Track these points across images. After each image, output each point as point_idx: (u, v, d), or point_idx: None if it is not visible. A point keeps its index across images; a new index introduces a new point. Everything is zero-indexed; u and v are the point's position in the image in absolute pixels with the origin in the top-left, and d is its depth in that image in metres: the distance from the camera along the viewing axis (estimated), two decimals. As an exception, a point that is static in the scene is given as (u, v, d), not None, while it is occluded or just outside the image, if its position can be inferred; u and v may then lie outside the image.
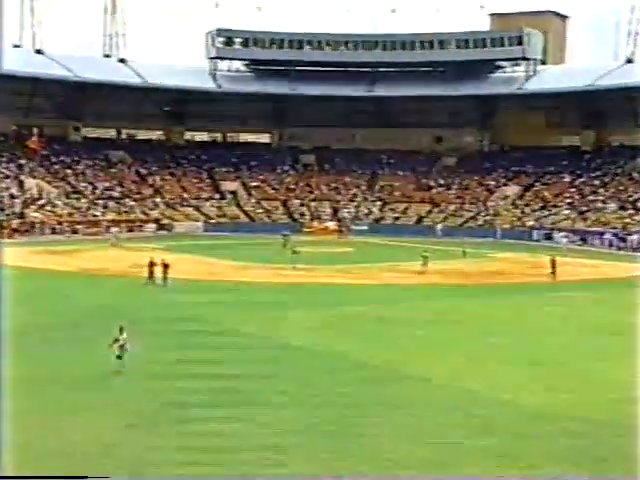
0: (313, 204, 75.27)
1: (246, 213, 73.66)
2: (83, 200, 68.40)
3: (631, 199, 65.86)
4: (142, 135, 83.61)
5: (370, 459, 14.21)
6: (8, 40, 65.36)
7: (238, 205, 74.72)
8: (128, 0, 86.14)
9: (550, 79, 77.11)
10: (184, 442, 14.39)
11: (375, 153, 79.96)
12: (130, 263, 42.38)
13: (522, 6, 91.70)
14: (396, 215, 73.45)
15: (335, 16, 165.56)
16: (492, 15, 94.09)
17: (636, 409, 16.08)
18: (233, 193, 76.34)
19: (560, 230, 62.80)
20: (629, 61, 73.72)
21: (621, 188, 68.40)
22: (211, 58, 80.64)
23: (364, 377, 19.91)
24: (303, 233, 65.30)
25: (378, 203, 75.60)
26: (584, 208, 67.31)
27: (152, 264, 35.77)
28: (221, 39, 79.77)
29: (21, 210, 62.97)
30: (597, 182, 71.03)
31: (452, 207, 73.36)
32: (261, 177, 78.82)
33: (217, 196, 75.72)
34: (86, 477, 11.90)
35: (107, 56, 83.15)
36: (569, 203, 69.18)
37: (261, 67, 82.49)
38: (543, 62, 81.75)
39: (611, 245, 58.80)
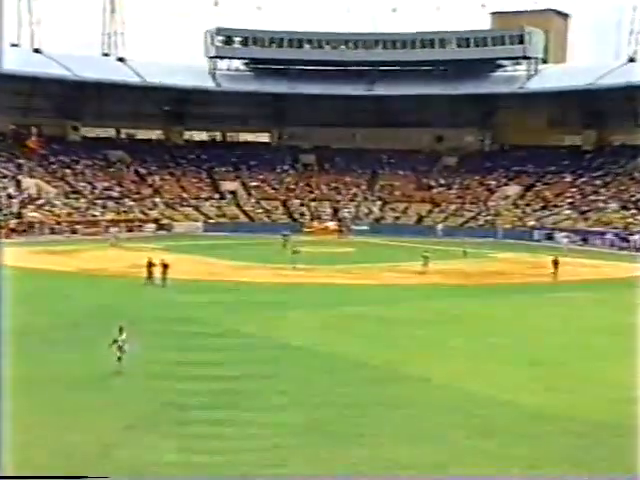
0: (313, 204, 75.08)
1: (246, 213, 73.45)
2: (82, 200, 68.18)
3: (633, 199, 65.63)
4: (141, 135, 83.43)
5: (370, 459, 14.17)
6: (6, 39, 65.03)
7: (238, 205, 74.52)
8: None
9: (551, 78, 76.80)
10: (184, 443, 14.38)
11: (375, 153, 79.73)
12: (129, 263, 42.40)
13: (523, 5, 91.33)
14: (396, 215, 73.28)
15: (335, 15, 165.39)
16: (493, 14, 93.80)
17: (636, 409, 16.09)
18: (233, 193, 76.13)
19: (561, 230, 62.66)
20: (631, 60, 73.48)
21: (622, 188, 68.15)
22: (210, 57, 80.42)
23: (364, 377, 19.88)
24: (303, 233, 65.18)
25: (378, 203, 75.42)
26: (585, 208, 67.11)
27: (151, 264, 35.73)
28: (220, 38, 79.51)
29: (19, 210, 62.74)
30: (598, 182, 70.79)
31: (453, 207, 73.16)
32: (261, 177, 78.61)
33: (217, 196, 75.51)
34: (86, 477, 11.87)
35: (106, 55, 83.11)
36: (570, 203, 68.95)
37: (261, 66, 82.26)
38: (544, 61, 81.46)
39: (613, 245, 58.68)
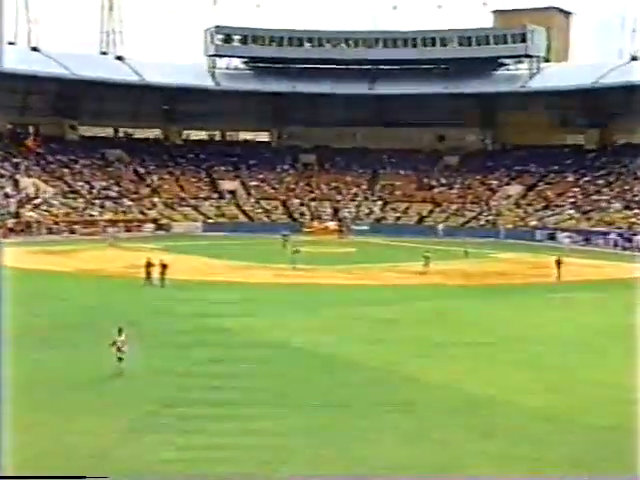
0: (313, 204, 74.71)
1: (245, 213, 73.07)
2: (80, 200, 67.85)
3: (636, 198, 65.23)
4: (140, 134, 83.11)
5: (370, 460, 14.15)
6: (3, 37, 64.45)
7: (237, 205, 74.16)
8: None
9: (554, 77, 76.49)
10: (184, 443, 14.38)
11: (376, 152, 79.36)
12: (128, 263, 42.35)
13: (525, 3, 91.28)
14: (397, 215, 72.92)
15: (335, 13, 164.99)
16: (495, 12, 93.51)
17: (637, 410, 16.01)
18: (232, 193, 75.72)
19: (563, 230, 62.29)
20: (634, 59, 72.92)
21: (626, 187, 67.75)
22: (209, 55, 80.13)
23: (364, 378, 19.89)
24: (303, 233, 64.98)
25: (379, 203, 75.05)
26: (588, 208, 66.76)
27: (149, 264, 35.72)
28: (220, 36, 79.14)
29: (16, 210, 62.36)
30: (601, 181, 70.38)
31: (454, 207, 72.75)
32: (260, 176, 78.19)
33: (216, 196, 75.12)
34: (85, 477, 11.98)
35: (104, 53, 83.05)
36: (573, 203, 68.56)
37: (260, 65, 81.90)
38: (547, 60, 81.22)
39: (616, 245, 58.36)
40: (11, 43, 73.57)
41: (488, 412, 17.18)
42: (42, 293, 32.67)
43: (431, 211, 72.73)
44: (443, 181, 77.10)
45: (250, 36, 78.93)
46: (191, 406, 16.40)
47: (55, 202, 65.81)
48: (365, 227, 68.96)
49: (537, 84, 75.78)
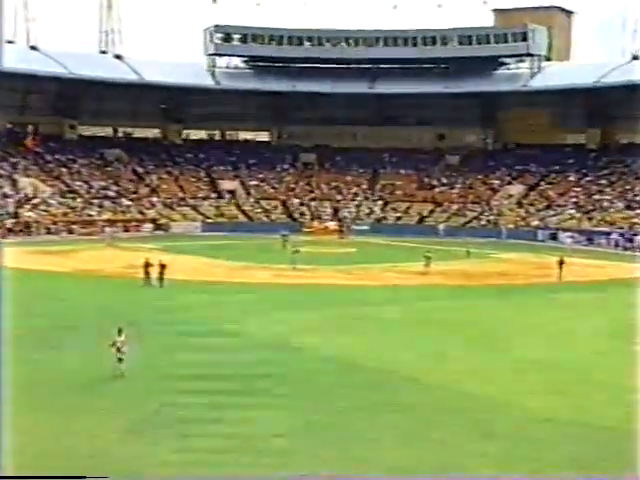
0: (313, 203, 74.44)
1: (245, 213, 72.78)
2: (78, 199, 67.52)
3: (638, 198, 65.03)
4: (139, 133, 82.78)
5: (370, 460, 14.19)
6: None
7: (237, 205, 73.84)
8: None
9: (555, 76, 76.18)
10: (184, 443, 14.39)
11: (376, 151, 79.06)
12: (126, 264, 42.21)
13: (526, 1, 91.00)
14: (398, 215, 72.62)
15: (335, 12, 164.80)
16: (495, 11, 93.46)
17: (637, 411, 16.07)
18: (232, 192, 75.43)
19: (565, 230, 62.04)
20: (635, 58, 72.70)
21: (628, 187, 67.52)
22: (209, 54, 79.92)
23: (364, 378, 19.95)
24: (303, 233, 64.79)
25: (379, 202, 74.77)
26: (590, 207, 66.56)
27: (148, 265, 35.66)
28: (219, 35, 78.92)
29: (15, 210, 62.07)
30: (603, 181, 70.14)
31: (455, 206, 72.46)
32: (260, 176, 77.90)
33: (215, 195, 74.82)
34: (85, 477, 12.03)
35: (103, 52, 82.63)
36: (574, 202, 68.33)
37: (260, 64, 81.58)
38: (548, 59, 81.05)
39: (617, 245, 58.29)
40: (10, 42, 73.30)
41: (488, 412, 17.21)
42: (41, 293, 32.63)
43: (432, 211, 72.44)
44: (444, 181, 76.81)
45: (250, 35, 78.68)
46: (191, 406, 16.31)
47: (53, 202, 65.49)
48: (365, 227, 68.67)
49: (538, 83, 75.50)
